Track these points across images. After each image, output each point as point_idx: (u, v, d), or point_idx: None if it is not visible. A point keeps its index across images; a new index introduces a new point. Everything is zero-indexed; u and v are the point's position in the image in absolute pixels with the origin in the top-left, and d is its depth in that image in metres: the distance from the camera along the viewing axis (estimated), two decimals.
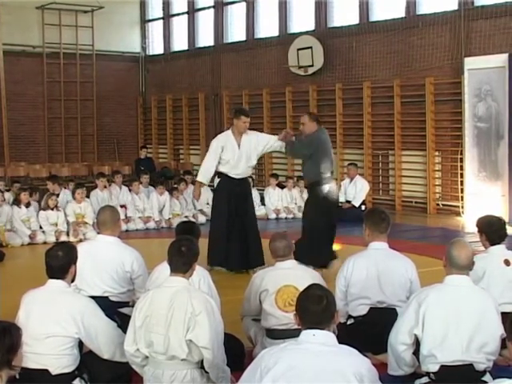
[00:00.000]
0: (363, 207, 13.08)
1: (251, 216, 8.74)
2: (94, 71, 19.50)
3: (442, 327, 4.24)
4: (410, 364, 4.51)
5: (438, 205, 13.89)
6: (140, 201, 12.77)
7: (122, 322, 4.82)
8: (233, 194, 8.56)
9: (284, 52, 16.11)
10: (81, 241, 10.42)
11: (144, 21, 20.67)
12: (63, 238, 10.76)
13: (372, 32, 14.70)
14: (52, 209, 11.29)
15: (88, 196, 12.17)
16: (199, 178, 8.77)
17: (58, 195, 11.98)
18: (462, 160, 13.20)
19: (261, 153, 8.82)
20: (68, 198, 12.14)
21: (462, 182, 13.28)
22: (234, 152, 8.48)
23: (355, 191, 13.27)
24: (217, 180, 8.90)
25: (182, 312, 4.06)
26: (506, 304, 5.13)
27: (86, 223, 11.48)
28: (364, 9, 14.94)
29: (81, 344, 4.38)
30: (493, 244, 5.41)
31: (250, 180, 9.66)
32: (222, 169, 8.59)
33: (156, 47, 20.60)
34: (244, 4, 17.59)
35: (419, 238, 11.25)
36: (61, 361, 4.24)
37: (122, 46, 20.12)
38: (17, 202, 11.27)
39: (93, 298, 4.72)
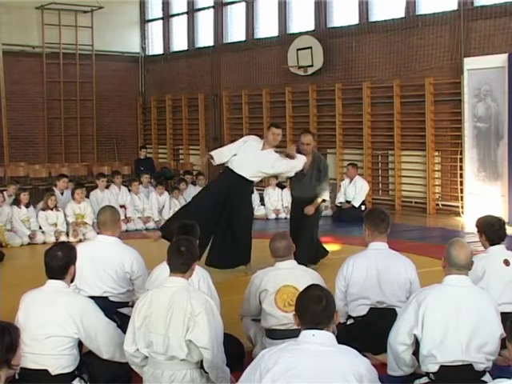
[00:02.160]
0: (363, 207, 13.08)
1: (244, 214, 8.29)
2: (93, 71, 19.48)
3: (441, 327, 4.23)
4: (410, 364, 4.51)
5: (437, 205, 13.89)
6: (139, 201, 12.76)
7: (122, 322, 4.83)
8: (226, 186, 8.18)
9: (283, 52, 16.10)
10: (80, 241, 10.43)
11: (144, 21, 20.66)
12: (63, 238, 10.77)
13: (372, 32, 14.70)
14: (51, 209, 11.29)
15: (88, 196, 12.17)
16: (212, 152, 8.45)
17: (62, 194, 12.03)
18: (461, 160, 13.20)
19: (267, 175, 8.92)
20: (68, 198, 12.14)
21: (461, 182, 13.28)
22: (250, 153, 8.18)
23: (355, 191, 13.26)
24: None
25: (181, 312, 4.06)
26: (506, 304, 5.14)
27: (86, 223, 11.48)
28: (364, 9, 14.94)
29: (80, 344, 4.38)
30: (492, 244, 5.41)
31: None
32: (230, 165, 8.24)
33: (156, 47, 20.59)
34: (244, 4, 17.59)
35: (419, 238, 11.25)
36: (60, 361, 4.24)
37: (121, 46, 20.11)
38: (16, 202, 11.28)
39: (92, 298, 4.72)
